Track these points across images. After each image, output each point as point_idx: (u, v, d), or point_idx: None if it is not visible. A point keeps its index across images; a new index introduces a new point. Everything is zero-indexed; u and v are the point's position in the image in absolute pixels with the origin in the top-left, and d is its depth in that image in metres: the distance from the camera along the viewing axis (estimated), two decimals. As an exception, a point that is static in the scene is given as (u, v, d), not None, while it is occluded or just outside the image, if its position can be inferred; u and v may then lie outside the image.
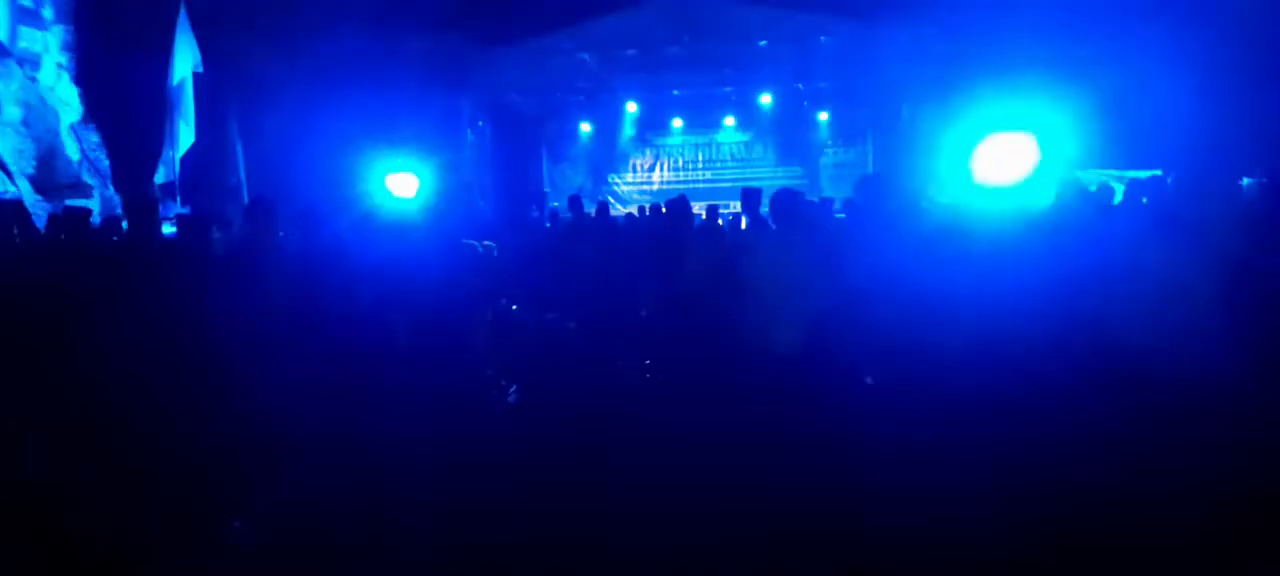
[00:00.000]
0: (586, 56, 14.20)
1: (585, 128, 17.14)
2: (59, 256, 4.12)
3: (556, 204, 10.51)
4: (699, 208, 6.79)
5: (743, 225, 6.53)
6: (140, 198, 6.33)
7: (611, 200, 16.22)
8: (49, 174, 9.49)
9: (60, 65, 9.99)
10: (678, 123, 17.06)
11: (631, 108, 16.52)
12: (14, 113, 9.21)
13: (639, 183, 17.75)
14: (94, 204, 9.13)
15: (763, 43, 13.77)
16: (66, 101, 9.99)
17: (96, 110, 10.14)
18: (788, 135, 16.88)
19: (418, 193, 6.89)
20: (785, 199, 3.79)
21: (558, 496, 3.38)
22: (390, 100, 10.64)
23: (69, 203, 7.54)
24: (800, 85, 15.40)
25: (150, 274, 3.54)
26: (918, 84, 11.69)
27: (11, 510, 2.83)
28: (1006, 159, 5.24)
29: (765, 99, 15.93)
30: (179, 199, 9.35)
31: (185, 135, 9.36)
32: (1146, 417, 2.55)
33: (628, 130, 17.27)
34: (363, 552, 2.95)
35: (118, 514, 2.82)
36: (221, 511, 3.14)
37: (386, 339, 3.76)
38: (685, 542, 2.98)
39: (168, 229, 5.87)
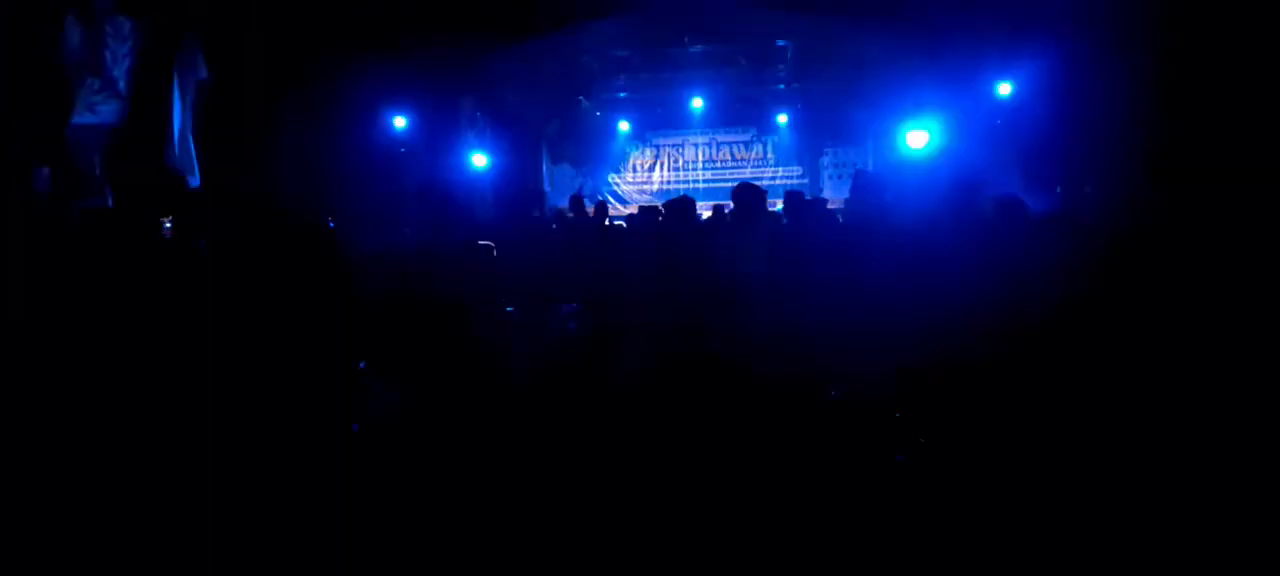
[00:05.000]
0: (586, 57, 14.19)
1: (586, 128, 17.11)
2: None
3: (556, 204, 10.54)
4: (702, 207, 6.78)
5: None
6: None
7: (611, 200, 16.23)
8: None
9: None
10: (677, 123, 17.04)
11: (631, 110, 16.53)
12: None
13: (639, 183, 17.73)
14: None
15: (762, 43, 13.77)
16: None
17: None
18: (788, 135, 16.87)
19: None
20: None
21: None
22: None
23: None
24: (799, 85, 15.41)
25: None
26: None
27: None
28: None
29: (765, 99, 15.93)
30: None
31: None
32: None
33: (628, 130, 17.26)
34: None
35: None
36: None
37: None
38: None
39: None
